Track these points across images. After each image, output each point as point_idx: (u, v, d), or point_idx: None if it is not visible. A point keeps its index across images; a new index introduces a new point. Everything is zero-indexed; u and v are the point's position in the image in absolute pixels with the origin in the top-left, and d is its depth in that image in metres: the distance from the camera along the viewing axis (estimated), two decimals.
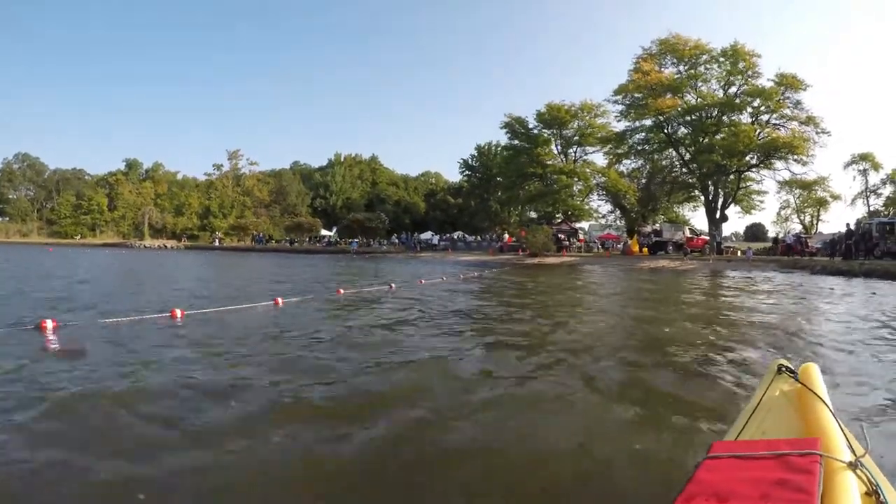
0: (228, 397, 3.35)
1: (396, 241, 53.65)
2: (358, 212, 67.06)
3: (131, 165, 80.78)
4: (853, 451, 1.23)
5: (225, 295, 10.35)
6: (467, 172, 68.38)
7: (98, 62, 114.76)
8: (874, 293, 12.80)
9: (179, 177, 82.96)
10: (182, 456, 2.52)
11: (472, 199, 68.10)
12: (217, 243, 57.48)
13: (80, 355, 4.53)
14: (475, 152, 67.39)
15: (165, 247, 54.38)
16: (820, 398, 1.52)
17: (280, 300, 8.41)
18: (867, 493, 1.10)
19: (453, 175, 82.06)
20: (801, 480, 1.04)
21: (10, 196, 72.73)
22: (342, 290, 10.76)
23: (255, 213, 67.95)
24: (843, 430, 1.35)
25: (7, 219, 71.18)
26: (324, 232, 60.38)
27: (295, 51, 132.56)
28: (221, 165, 72.91)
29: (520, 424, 3.15)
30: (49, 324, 5.39)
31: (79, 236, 64.62)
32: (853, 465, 1.12)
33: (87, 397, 3.28)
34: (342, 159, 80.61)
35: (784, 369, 1.79)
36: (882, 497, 1.09)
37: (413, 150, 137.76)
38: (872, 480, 1.12)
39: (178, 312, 6.62)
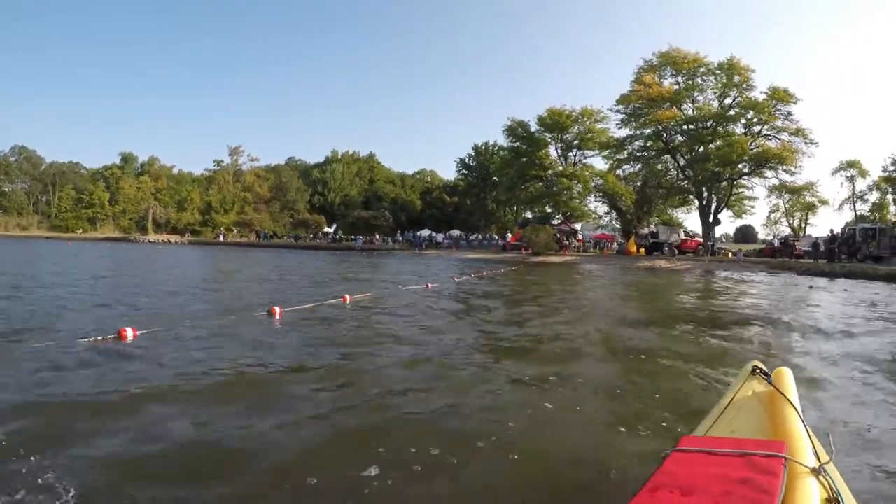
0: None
1: (400, 238, 54.76)
2: (356, 209, 68.06)
3: (127, 159, 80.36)
4: (818, 458, 1.27)
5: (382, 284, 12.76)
6: (464, 171, 69.49)
7: (95, 57, 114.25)
8: (846, 290, 14.88)
9: (175, 171, 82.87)
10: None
11: (468, 197, 69.11)
12: (221, 238, 58.09)
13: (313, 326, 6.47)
14: (472, 152, 68.44)
15: (170, 241, 54.77)
16: (790, 403, 1.57)
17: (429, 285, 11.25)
18: (828, 500, 1.13)
19: (448, 173, 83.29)
20: (765, 481, 1.07)
21: (6, 189, 72.18)
22: (451, 279, 12.29)
23: (255, 208, 68.47)
24: (809, 436, 1.38)
25: (2, 212, 70.70)
26: (325, 229, 61.46)
27: (292, 46, 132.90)
28: (222, 161, 73.34)
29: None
30: (278, 309, 7.25)
31: (80, 230, 64.68)
32: (816, 472, 1.16)
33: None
34: (339, 156, 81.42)
35: (758, 371, 1.86)
36: None
37: (408, 148, 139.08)
38: (834, 488, 1.15)
39: (348, 297, 8.94)
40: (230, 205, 67.85)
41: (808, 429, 1.45)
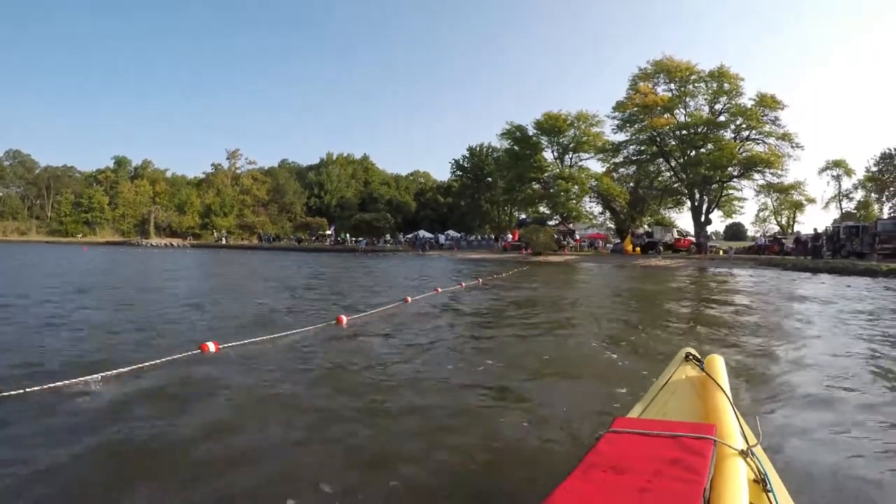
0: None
1: (403, 240, 55.87)
2: (352, 210, 69.03)
3: (120, 163, 79.84)
4: (746, 440, 1.37)
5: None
6: (458, 173, 70.25)
7: (87, 60, 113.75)
8: (823, 282, 16.84)
9: (168, 174, 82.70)
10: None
11: (462, 198, 69.84)
12: (224, 241, 58.70)
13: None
14: (467, 153, 69.16)
15: (172, 245, 55.27)
16: (721, 388, 1.66)
17: (479, 279, 12.53)
18: (755, 481, 1.22)
19: (441, 174, 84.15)
20: (694, 461, 1.14)
21: (0, 194, 71.73)
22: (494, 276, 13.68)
23: (254, 211, 69.01)
24: (738, 420, 1.48)
25: None
26: (327, 231, 62.36)
27: (283, 48, 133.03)
28: (220, 165, 73.88)
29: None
30: (409, 298, 9.58)
31: (80, 235, 64.69)
32: (744, 453, 1.24)
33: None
34: (334, 158, 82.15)
35: (691, 357, 1.97)
36: (769, 485, 1.20)
37: (401, 150, 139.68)
38: (761, 469, 1.24)
39: (438, 290, 10.96)
40: (229, 208, 68.32)
41: (738, 413, 1.51)
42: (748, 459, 1.23)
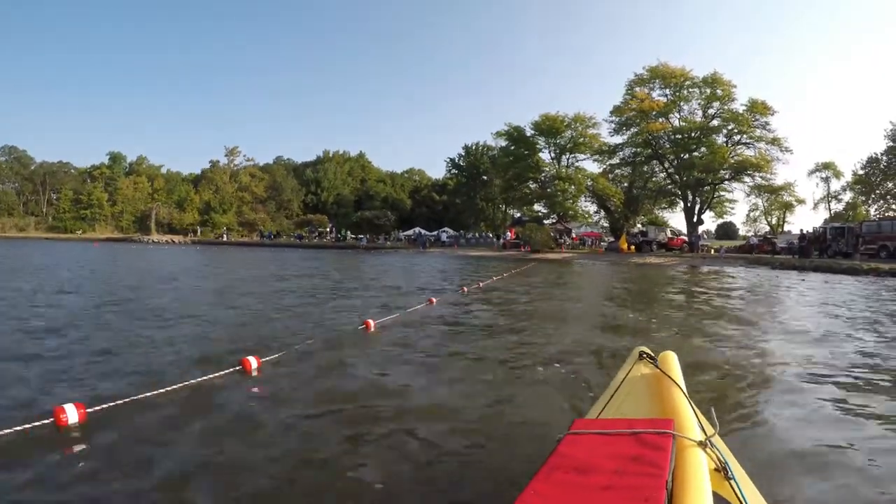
0: None
1: (402, 237, 56.68)
2: (348, 208, 69.66)
3: (115, 159, 79.15)
4: (704, 431, 1.39)
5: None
6: (454, 171, 70.98)
7: (83, 56, 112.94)
8: (804, 279, 18.01)
9: (164, 171, 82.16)
10: None
11: (457, 196, 70.62)
12: (225, 238, 59.18)
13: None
14: (463, 152, 69.74)
15: (174, 242, 55.57)
16: (676, 383, 1.69)
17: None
18: (716, 469, 1.24)
19: (436, 172, 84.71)
20: (655, 456, 1.16)
21: None
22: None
23: (252, 208, 69.42)
24: (695, 413, 1.51)
25: None
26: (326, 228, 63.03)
27: (282, 48, 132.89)
28: (218, 161, 74.04)
29: None
30: (466, 289, 11.33)
31: (80, 231, 64.62)
32: (703, 444, 1.26)
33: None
34: (331, 156, 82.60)
35: (644, 355, 2.03)
36: (729, 473, 1.23)
37: (396, 147, 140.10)
38: (721, 458, 1.26)
39: (481, 283, 12.63)
40: (228, 205, 68.51)
41: (694, 406, 1.54)
42: (707, 450, 1.26)
